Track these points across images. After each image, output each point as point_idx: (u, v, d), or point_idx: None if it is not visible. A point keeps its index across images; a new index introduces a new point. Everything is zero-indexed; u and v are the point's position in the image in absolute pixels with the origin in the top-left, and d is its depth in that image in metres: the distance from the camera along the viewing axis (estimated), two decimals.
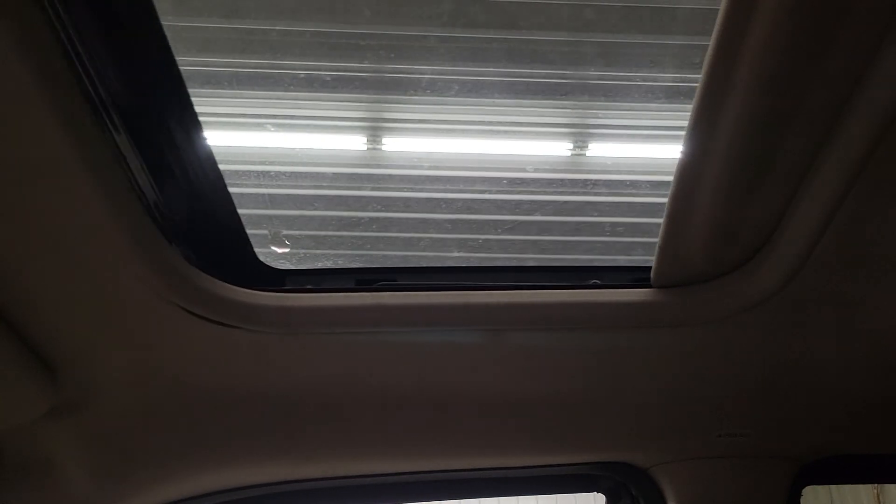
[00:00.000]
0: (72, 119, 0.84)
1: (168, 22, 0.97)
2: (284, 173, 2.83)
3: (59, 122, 0.83)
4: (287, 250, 1.41)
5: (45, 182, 0.90)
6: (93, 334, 1.14)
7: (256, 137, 2.79)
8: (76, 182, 0.90)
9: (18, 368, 1.09)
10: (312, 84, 2.66)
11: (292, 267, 1.31)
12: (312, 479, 1.48)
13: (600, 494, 1.65)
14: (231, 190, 1.16)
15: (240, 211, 1.20)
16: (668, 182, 1.10)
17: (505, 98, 2.78)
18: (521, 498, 1.70)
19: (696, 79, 0.95)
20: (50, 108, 0.81)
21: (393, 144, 3.11)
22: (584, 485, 1.62)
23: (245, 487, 1.47)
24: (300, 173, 3.00)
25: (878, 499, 4.97)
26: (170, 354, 1.22)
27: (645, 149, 3.14)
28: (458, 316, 1.23)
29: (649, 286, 1.27)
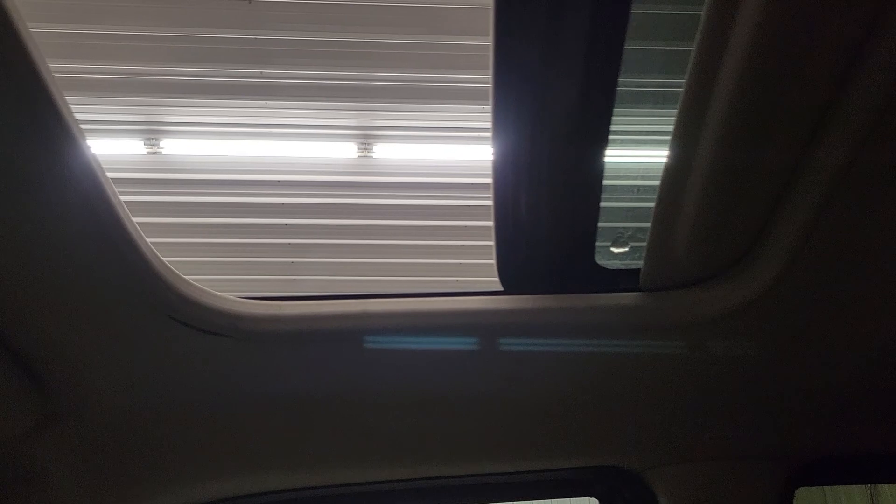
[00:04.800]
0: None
1: None
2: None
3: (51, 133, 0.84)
4: (626, 250, 1.50)
5: (31, 196, 0.90)
6: (81, 345, 1.14)
7: None
8: (62, 195, 0.91)
9: (6, 380, 1.09)
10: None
11: (622, 267, 1.38)
12: (306, 488, 1.47)
13: (593, 499, 1.64)
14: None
15: None
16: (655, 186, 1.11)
17: None
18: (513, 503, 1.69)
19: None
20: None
21: None
22: (576, 489, 1.62)
23: (240, 497, 1.46)
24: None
25: (872, 499, 4.97)
26: (160, 364, 1.22)
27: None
28: (447, 322, 1.24)
29: (638, 290, 1.28)
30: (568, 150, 1.10)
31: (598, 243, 1.26)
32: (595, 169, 1.13)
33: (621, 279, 1.32)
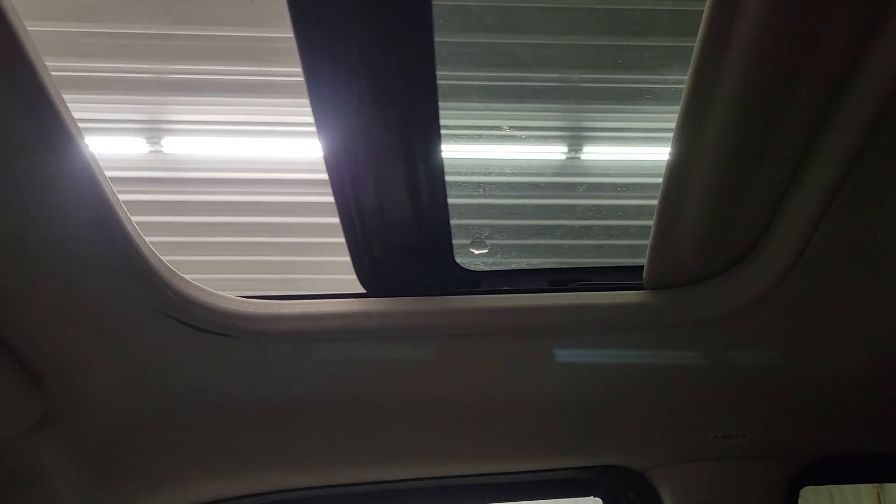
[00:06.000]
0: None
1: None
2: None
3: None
4: (485, 251, 1.48)
5: (29, 196, 0.89)
6: (81, 344, 1.14)
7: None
8: (61, 195, 0.90)
9: (5, 380, 1.08)
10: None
11: (486, 269, 1.35)
12: (306, 488, 1.47)
13: (597, 498, 1.64)
14: None
15: None
16: (658, 184, 1.10)
17: None
18: None
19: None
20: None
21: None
22: (580, 489, 1.61)
23: (240, 497, 1.45)
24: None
25: (879, 498, 4.95)
26: (159, 364, 1.21)
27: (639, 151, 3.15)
28: (448, 321, 1.23)
29: (642, 288, 1.27)
30: (398, 146, 1.06)
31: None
32: (434, 165, 1.09)
33: (485, 280, 1.31)
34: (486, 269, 1.38)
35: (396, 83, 0.98)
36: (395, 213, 1.15)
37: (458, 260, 1.28)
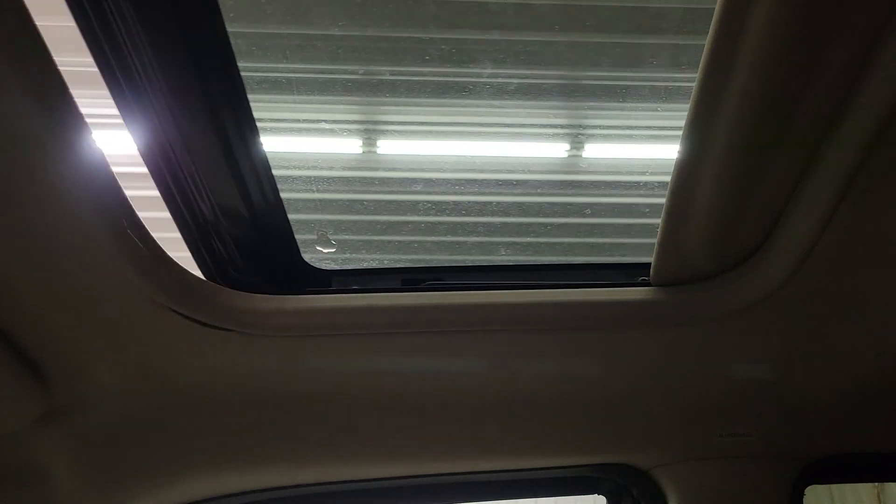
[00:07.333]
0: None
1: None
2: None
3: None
4: (333, 250, 1.46)
5: (35, 189, 0.89)
6: (83, 339, 1.13)
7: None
8: (67, 188, 0.90)
9: (8, 374, 1.08)
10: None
11: (338, 268, 1.32)
12: (309, 485, 1.46)
13: (601, 496, 1.63)
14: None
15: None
16: (666, 182, 1.09)
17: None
18: (520, 501, 1.68)
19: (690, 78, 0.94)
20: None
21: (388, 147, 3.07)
22: (584, 487, 1.61)
23: (241, 493, 1.45)
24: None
25: (879, 497, 4.96)
26: (162, 358, 1.21)
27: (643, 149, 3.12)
28: (452, 317, 1.22)
29: (649, 285, 1.27)
30: (212, 139, 1.03)
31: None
32: (257, 158, 1.06)
33: (336, 279, 1.29)
34: (338, 267, 1.35)
35: (194, 75, 0.95)
36: (228, 209, 1.12)
37: (307, 257, 1.26)
